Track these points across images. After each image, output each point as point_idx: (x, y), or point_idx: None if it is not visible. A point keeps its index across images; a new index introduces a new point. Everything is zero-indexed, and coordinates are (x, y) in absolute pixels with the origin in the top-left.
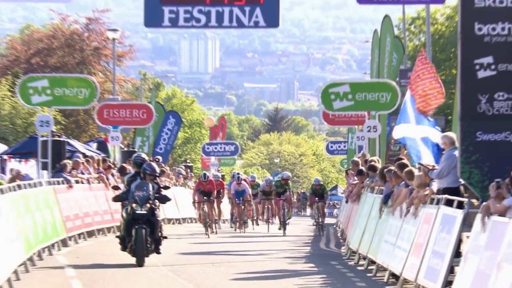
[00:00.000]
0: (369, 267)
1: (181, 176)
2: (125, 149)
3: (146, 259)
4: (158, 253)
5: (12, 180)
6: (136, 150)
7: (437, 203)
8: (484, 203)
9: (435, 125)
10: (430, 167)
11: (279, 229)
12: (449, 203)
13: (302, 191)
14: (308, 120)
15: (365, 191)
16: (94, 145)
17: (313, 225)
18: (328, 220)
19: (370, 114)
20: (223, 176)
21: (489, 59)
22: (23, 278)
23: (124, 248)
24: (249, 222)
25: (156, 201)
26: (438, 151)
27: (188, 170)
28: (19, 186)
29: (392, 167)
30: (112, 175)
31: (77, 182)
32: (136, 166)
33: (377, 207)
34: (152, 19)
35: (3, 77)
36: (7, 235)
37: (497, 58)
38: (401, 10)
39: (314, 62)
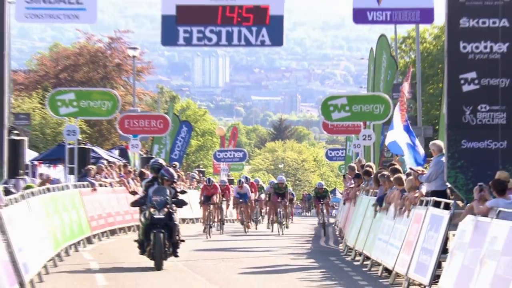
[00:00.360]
0: (365, 263)
1: (194, 180)
2: (144, 155)
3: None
4: (176, 256)
5: (42, 183)
6: (153, 156)
7: (426, 204)
8: (468, 204)
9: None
10: (420, 172)
11: (268, 227)
12: (436, 204)
13: (307, 192)
14: (309, 129)
15: (361, 194)
16: (116, 152)
17: (319, 223)
18: None
19: (366, 124)
20: (231, 180)
21: (472, 74)
22: (52, 272)
23: (142, 252)
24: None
25: (174, 205)
26: (413, 150)
27: (201, 175)
28: (48, 189)
29: (385, 172)
30: (132, 179)
31: (100, 185)
32: (154, 171)
33: (371, 208)
34: (169, 38)
35: (34, 91)
36: (37, 233)
37: (480, 73)
38: (393, 30)
39: (315, 77)
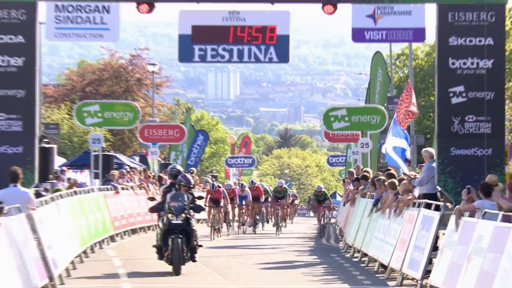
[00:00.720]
0: (362, 259)
1: (208, 183)
2: (162, 161)
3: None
4: (194, 261)
5: (69, 187)
6: (171, 162)
7: (418, 206)
8: (457, 206)
9: (407, 138)
10: (413, 176)
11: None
12: (428, 206)
13: (311, 196)
14: (312, 138)
15: (359, 196)
16: (137, 158)
17: (318, 227)
18: None
19: (363, 133)
20: (242, 184)
21: (460, 88)
22: (78, 267)
23: (161, 257)
24: (248, 222)
25: (191, 211)
26: (403, 154)
27: (214, 179)
28: (75, 192)
29: (381, 177)
30: (151, 183)
31: (122, 188)
32: (172, 177)
33: (368, 209)
34: (185, 55)
35: (62, 103)
36: (66, 232)
37: (467, 87)
38: (389, 47)
39: (317, 91)
